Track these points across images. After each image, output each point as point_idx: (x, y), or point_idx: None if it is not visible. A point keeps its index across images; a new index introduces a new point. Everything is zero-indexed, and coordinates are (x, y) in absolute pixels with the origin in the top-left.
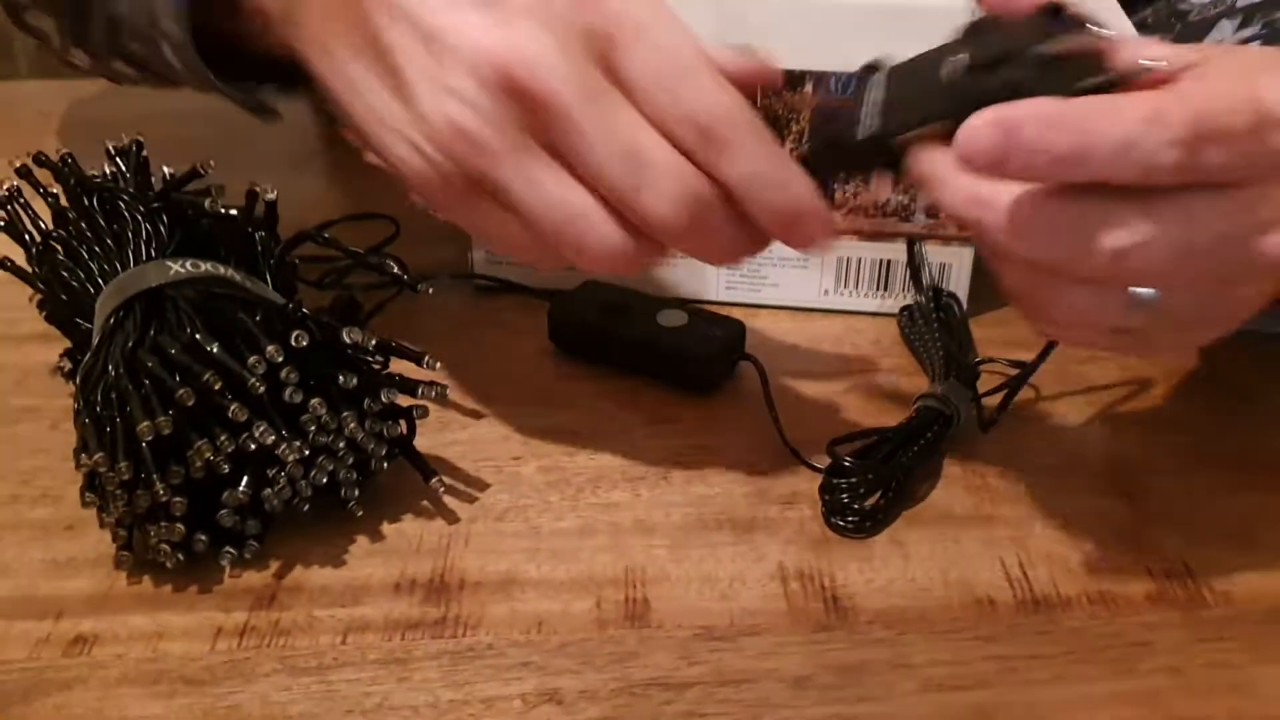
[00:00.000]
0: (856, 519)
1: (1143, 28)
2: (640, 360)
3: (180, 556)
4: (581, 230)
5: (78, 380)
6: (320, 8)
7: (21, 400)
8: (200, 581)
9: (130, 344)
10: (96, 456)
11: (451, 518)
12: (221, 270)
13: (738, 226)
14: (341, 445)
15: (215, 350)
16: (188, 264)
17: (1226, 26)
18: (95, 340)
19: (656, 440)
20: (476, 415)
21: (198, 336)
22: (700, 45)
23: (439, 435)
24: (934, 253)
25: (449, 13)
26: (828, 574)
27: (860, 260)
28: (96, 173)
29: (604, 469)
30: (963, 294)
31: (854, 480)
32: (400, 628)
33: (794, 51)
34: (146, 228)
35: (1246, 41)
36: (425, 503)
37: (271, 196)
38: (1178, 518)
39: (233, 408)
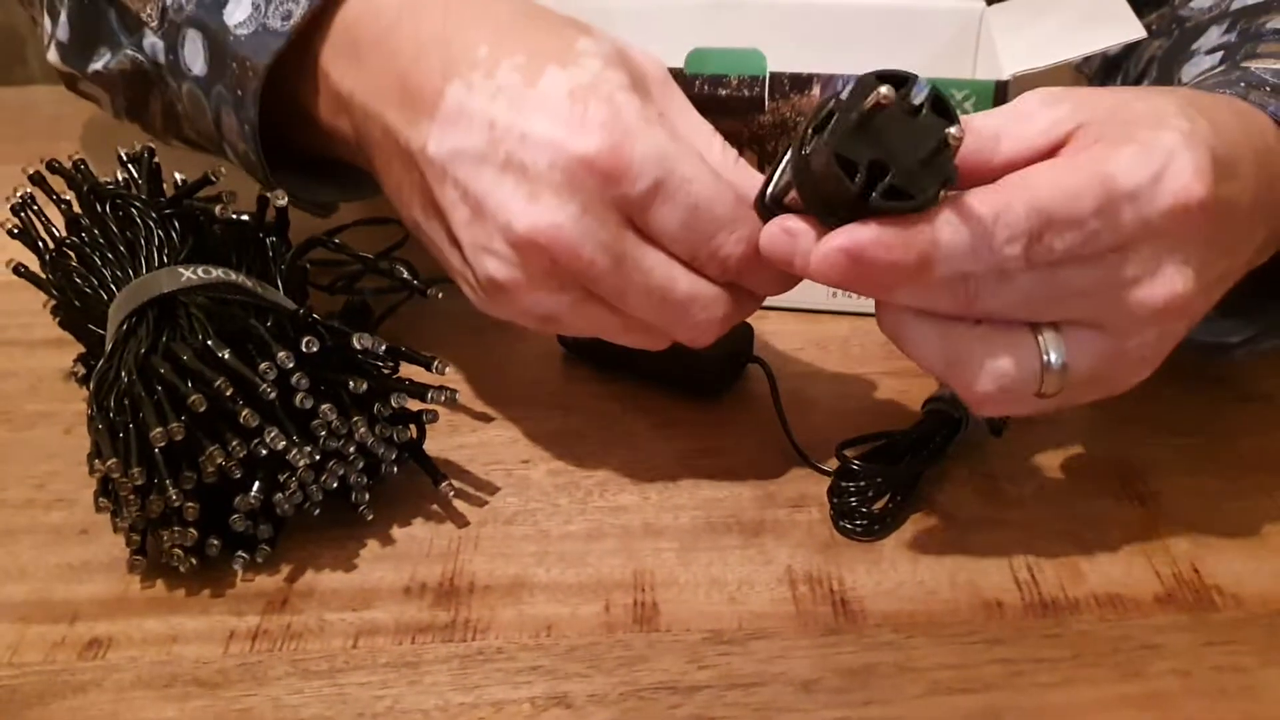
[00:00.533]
0: (865, 522)
1: (1147, 32)
2: (649, 364)
3: (193, 561)
4: (624, 338)
5: (91, 386)
6: (383, 156)
7: (36, 405)
8: (213, 585)
9: (143, 350)
10: (110, 462)
11: (461, 521)
12: (233, 276)
13: (744, 312)
14: (352, 450)
15: (227, 356)
16: (200, 270)
17: (1214, 32)
18: (108, 346)
19: (665, 444)
20: (486, 419)
21: (209, 343)
22: (718, 182)
23: (449, 439)
24: None
25: (489, 183)
26: (836, 577)
27: None
28: (109, 179)
29: (612, 473)
30: None
31: (863, 483)
32: (410, 631)
33: (800, 53)
34: (159, 234)
35: (1217, 49)
36: (435, 506)
37: (282, 203)
38: (1187, 520)
39: (244, 413)
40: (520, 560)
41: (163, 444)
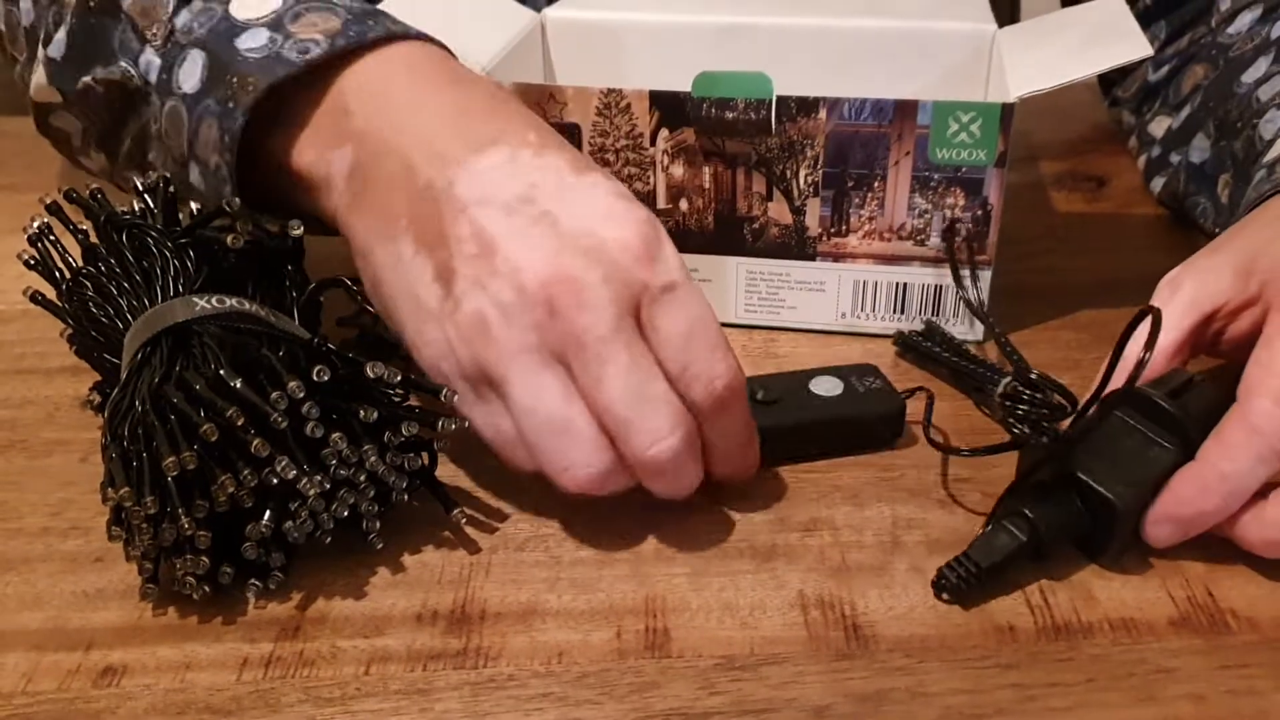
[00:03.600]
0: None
1: (1184, 57)
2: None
3: (206, 588)
4: (567, 446)
5: (105, 415)
6: (385, 190)
7: (53, 433)
8: (226, 613)
9: (156, 379)
10: (123, 491)
11: (472, 548)
12: (247, 306)
13: (697, 469)
14: (363, 478)
15: (238, 386)
16: (214, 299)
17: (1262, 64)
18: (123, 375)
19: None
20: None
21: (222, 372)
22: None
23: (460, 465)
24: (950, 277)
25: (511, 230)
26: (848, 602)
27: (877, 284)
28: (125, 209)
29: (624, 498)
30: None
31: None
32: (422, 658)
33: (810, 76)
34: (174, 263)
35: (1266, 78)
36: (446, 533)
37: (297, 232)
38: (1201, 542)
39: (255, 443)
40: (532, 587)
41: (175, 473)
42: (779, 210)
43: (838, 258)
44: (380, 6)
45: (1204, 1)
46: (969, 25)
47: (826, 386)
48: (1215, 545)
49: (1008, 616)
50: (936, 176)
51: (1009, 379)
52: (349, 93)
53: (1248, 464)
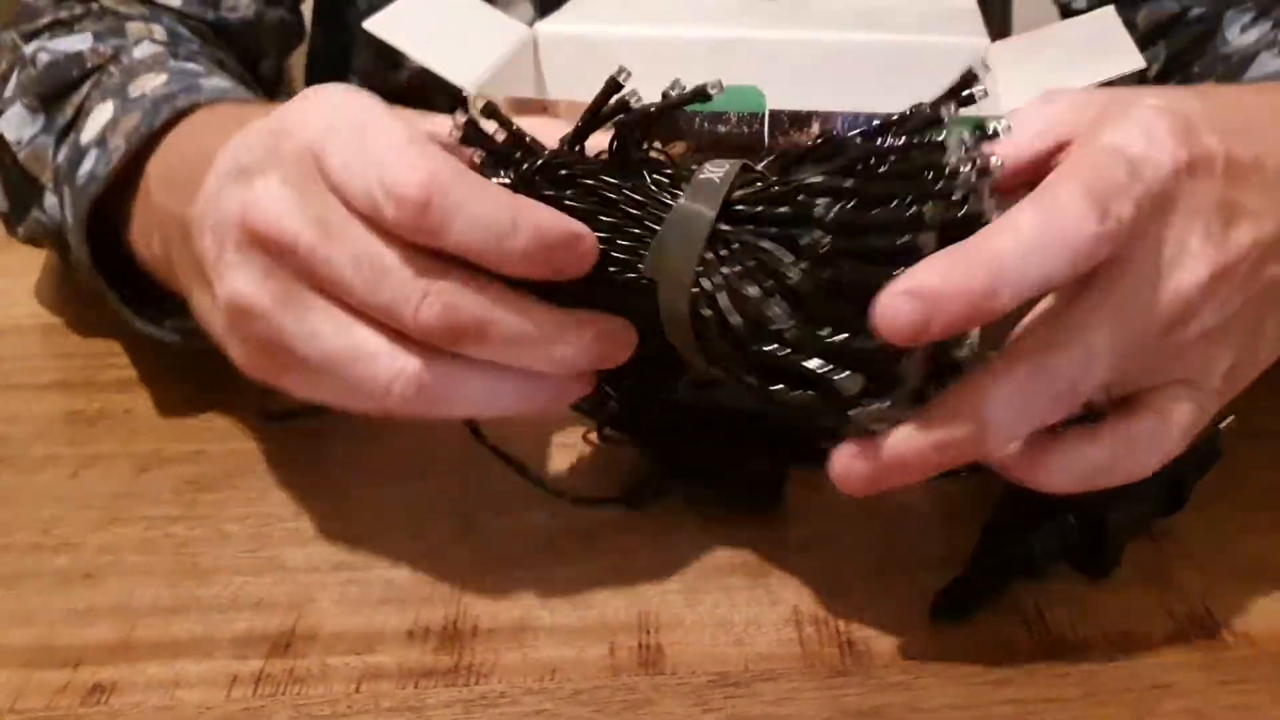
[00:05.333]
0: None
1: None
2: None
3: None
4: (369, 368)
5: None
6: (177, 256)
7: (43, 449)
8: (216, 630)
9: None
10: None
11: (465, 564)
12: None
13: (522, 316)
14: None
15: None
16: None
17: (1265, 58)
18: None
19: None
20: (492, 460)
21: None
22: (388, 130)
23: (452, 479)
24: None
25: (217, 197)
26: (843, 617)
27: None
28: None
29: (617, 513)
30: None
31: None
32: (414, 675)
33: (802, 90)
34: None
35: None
36: (438, 549)
37: None
38: (1199, 557)
39: None
40: (524, 603)
41: None
42: None
43: None
44: (367, 25)
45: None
46: (962, 39)
47: None
48: (1211, 560)
49: (1004, 632)
50: None
51: None
52: (150, 178)
53: (1030, 249)
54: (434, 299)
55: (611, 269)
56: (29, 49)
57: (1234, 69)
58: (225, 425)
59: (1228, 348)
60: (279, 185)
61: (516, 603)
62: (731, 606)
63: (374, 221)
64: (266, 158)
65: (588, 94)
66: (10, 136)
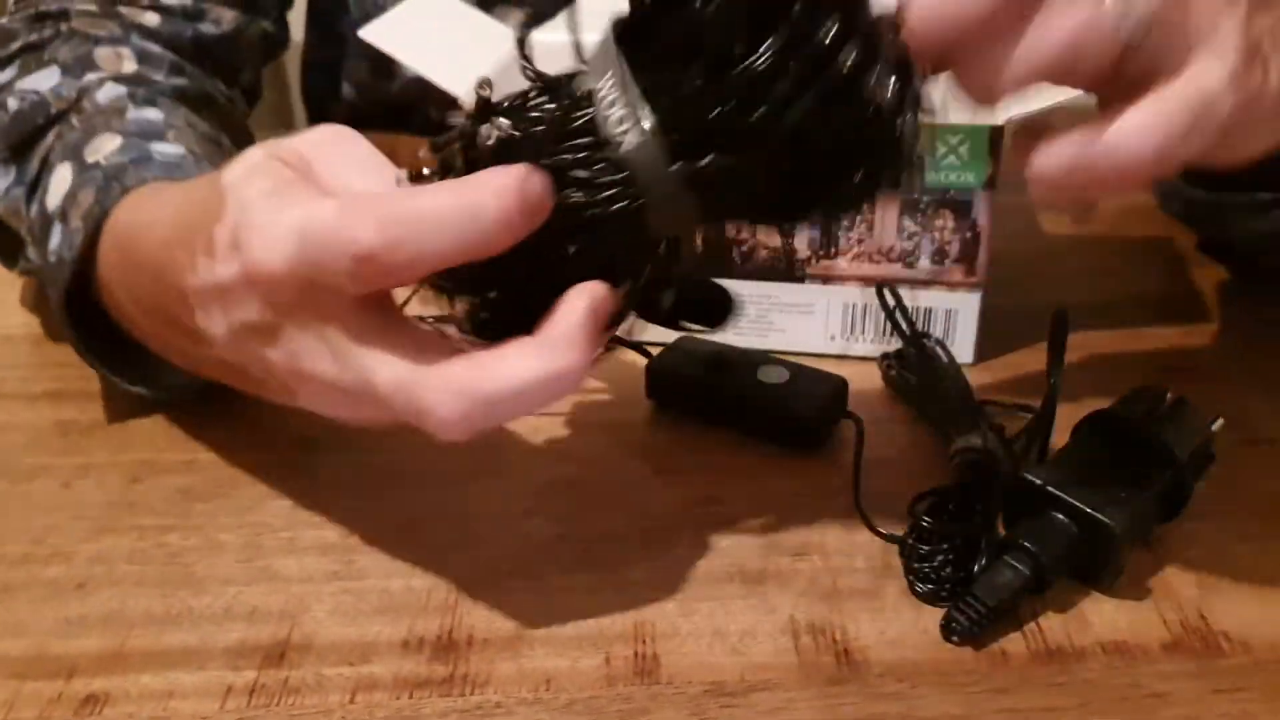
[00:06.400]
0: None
1: None
2: (744, 417)
3: None
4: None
5: None
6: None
7: (34, 459)
8: (209, 639)
9: None
10: None
11: (459, 573)
12: None
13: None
14: None
15: None
16: None
17: None
18: None
19: (665, 492)
20: (485, 469)
21: None
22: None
23: (448, 490)
24: (939, 299)
25: (259, 356)
26: (839, 626)
27: (866, 306)
28: None
29: (613, 522)
30: (970, 341)
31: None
32: (408, 686)
33: None
34: None
35: None
36: (433, 558)
37: None
38: (1194, 566)
39: None
40: (519, 614)
41: None
42: (767, 233)
43: (827, 280)
44: (362, 33)
45: None
46: None
47: (774, 375)
48: (1208, 568)
49: (1000, 641)
50: (925, 199)
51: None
52: (110, 282)
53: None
54: (451, 409)
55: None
56: (1, 78)
57: None
58: (218, 435)
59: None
60: (301, 343)
61: (511, 613)
62: (727, 616)
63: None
64: (270, 312)
65: None
66: None
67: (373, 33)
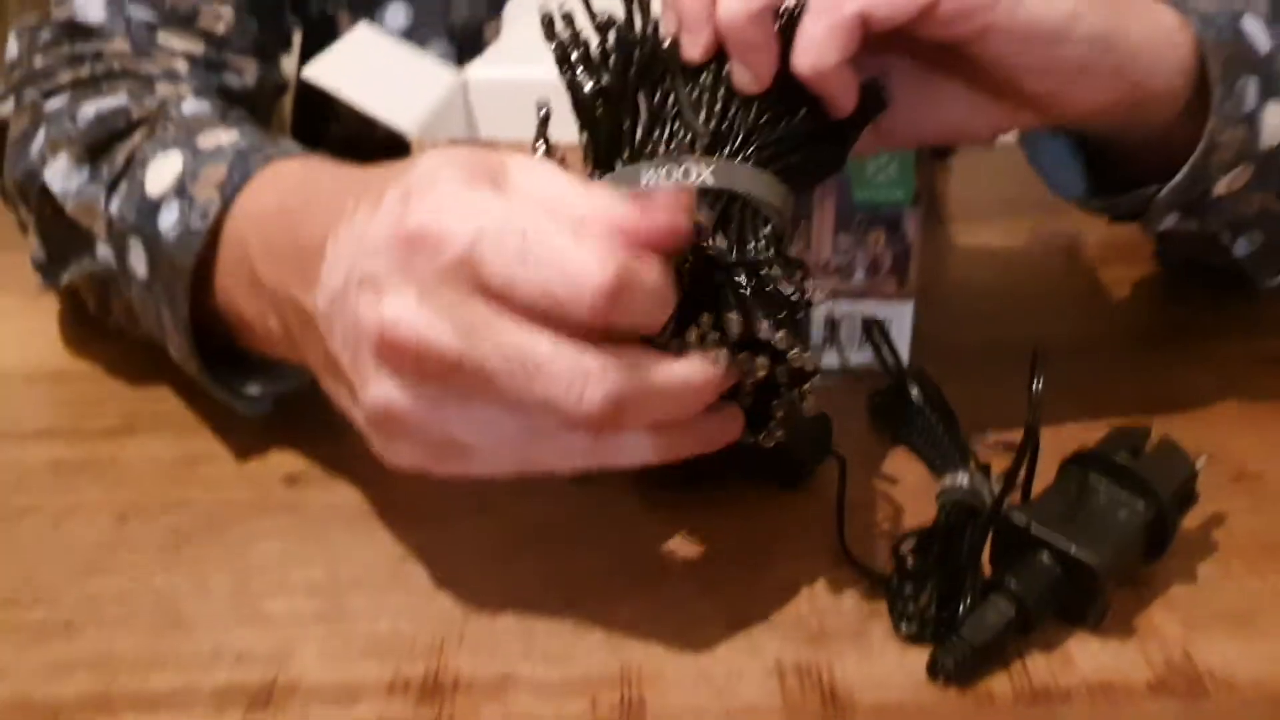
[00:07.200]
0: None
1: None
2: (728, 455)
3: None
4: (550, 447)
5: None
6: (308, 344)
7: (22, 499)
8: (195, 682)
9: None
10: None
11: (445, 616)
12: None
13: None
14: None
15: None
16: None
17: None
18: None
19: (652, 530)
20: (472, 510)
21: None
22: (561, 231)
23: (436, 532)
24: (874, 309)
25: (352, 307)
26: (825, 666)
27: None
28: None
29: (599, 563)
30: (904, 350)
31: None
32: None
33: None
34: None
35: None
36: (420, 599)
37: None
38: (1179, 604)
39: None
40: (505, 656)
41: None
42: None
43: None
44: (304, 74)
45: None
46: None
47: None
48: (1192, 607)
49: (986, 681)
50: (859, 216)
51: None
52: (251, 245)
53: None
54: (594, 388)
55: None
56: (54, 105)
57: None
58: (209, 475)
59: None
60: (416, 302)
61: (498, 656)
62: (713, 657)
63: (540, 319)
64: (398, 270)
65: (518, 134)
66: (56, 188)
67: (313, 72)
